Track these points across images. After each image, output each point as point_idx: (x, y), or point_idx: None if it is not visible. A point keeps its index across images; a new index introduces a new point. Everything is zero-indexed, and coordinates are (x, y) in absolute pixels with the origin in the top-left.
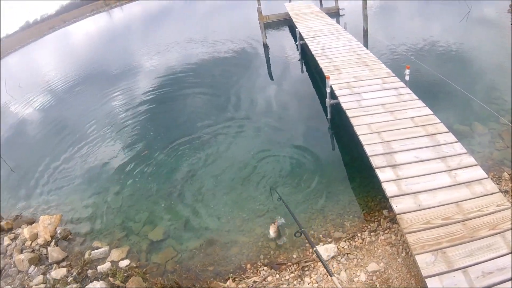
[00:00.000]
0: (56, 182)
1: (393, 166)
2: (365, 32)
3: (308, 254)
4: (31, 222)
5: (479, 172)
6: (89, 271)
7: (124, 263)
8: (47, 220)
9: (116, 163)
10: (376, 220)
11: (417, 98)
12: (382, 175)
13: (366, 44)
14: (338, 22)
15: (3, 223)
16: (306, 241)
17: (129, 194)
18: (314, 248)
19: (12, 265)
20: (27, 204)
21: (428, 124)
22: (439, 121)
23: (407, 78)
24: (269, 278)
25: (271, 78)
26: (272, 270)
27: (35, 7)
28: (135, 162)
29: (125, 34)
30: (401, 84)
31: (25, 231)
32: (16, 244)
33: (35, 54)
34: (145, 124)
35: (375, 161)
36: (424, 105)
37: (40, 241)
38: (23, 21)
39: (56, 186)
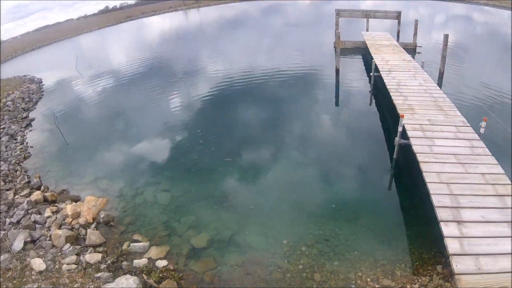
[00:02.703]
0: (109, 165)
1: (458, 222)
2: (441, 74)
3: None
4: (76, 199)
5: None
6: (124, 263)
7: (161, 263)
8: (93, 201)
9: (171, 160)
10: (428, 274)
11: (490, 153)
12: (446, 229)
13: (440, 87)
14: (414, 58)
15: (47, 194)
16: (353, 282)
17: (179, 194)
18: None
19: (48, 238)
20: (75, 181)
21: (498, 184)
22: (510, 182)
23: (482, 130)
24: None
25: (337, 105)
26: None
27: None
28: (188, 164)
29: (197, 36)
30: (476, 136)
31: (68, 208)
32: (56, 218)
33: (108, 39)
34: (201, 126)
35: (440, 213)
36: (496, 162)
37: (81, 220)
38: (103, 5)
39: (109, 170)
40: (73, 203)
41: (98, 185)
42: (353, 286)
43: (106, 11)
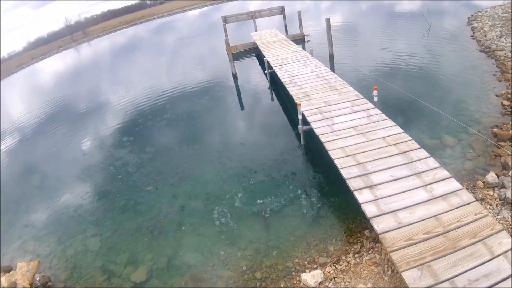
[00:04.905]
0: (32, 225)
1: (370, 187)
2: (331, 57)
3: (295, 282)
4: (8, 270)
5: (454, 184)
6: None
7: None
8: (25, 267)
9: (93, 204)
10: (359, 241)
11: (386, 117)
12: (361, 196)
13: (333, 69)
14: (304, 48)
15: None
16: (293, 269)
17: (108, 235)
18: None
19: None
20: (3, 250)
21: (400, 142)
22: (410, 138)
23: (375, 99)
24: None
25: (242, 108)
26: None
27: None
28: (110, 203)
29: (93, 70)
30: (370, 105)
31: (3, 280)
32: None
33: (2, 93)
34: (116, 161)
35: (352, 184)
36: (394, 124)
37: None
38: None
39: (32, 230)
40: (6, 273)
41: (26, 249)
42: (293, 273)
43: None
